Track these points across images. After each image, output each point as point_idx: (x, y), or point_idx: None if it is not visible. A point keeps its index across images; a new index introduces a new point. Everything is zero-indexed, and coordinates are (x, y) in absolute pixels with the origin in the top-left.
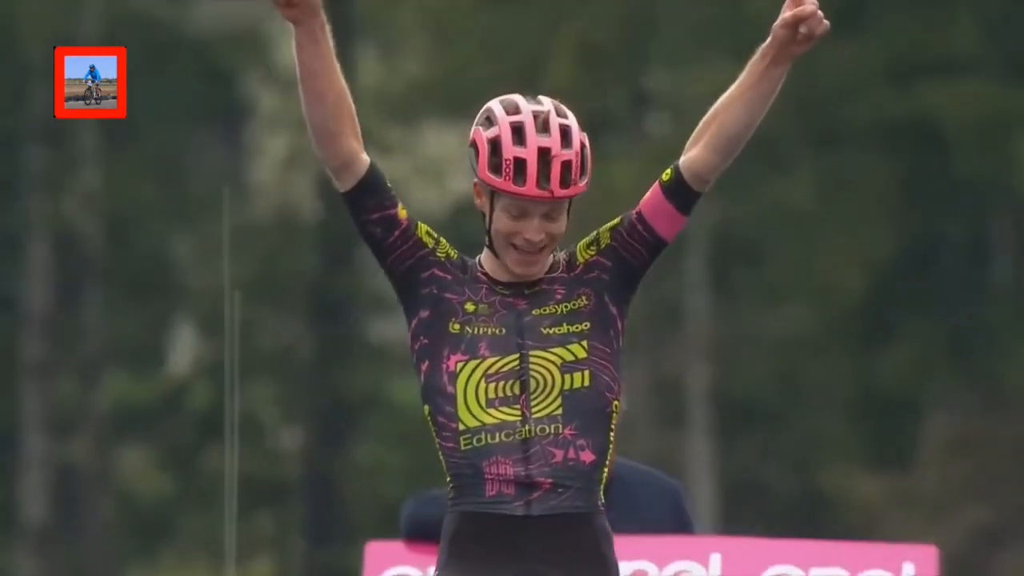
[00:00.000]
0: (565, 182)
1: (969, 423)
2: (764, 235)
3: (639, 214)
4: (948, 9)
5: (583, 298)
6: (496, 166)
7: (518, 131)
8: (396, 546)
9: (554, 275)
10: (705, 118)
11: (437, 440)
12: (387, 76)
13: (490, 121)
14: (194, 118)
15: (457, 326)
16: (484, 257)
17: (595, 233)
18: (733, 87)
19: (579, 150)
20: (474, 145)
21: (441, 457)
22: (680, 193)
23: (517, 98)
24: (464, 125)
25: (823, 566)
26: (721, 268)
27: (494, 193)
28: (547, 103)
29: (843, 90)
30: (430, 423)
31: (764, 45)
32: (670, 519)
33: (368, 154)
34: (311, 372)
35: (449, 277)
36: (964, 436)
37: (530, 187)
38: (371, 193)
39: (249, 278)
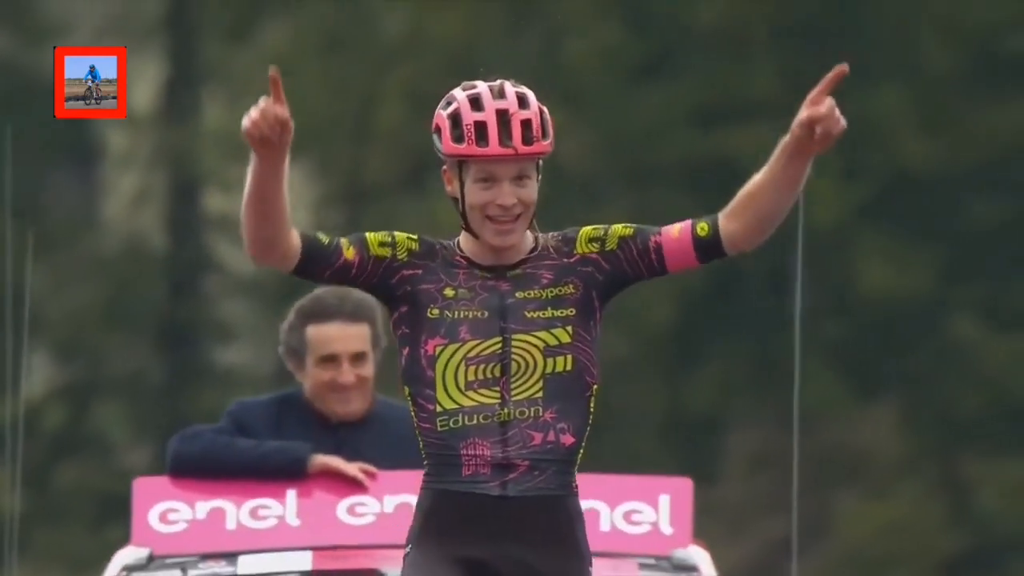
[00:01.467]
0: (527, 139)
1: (769, 441)
2: None
3: (657, 244)
4: (748, 57)
5: (570, 286)
6: (459, 136)
7: (475, 100)
8: (162, 481)
9: (541, 259)
10: (744, 191)
11: (415, 419)
12: (230, 117)
13: (448, 102)
14: (49, 158)
15: (436, 311)
16: (463, 240)
17: (602, 230)
18: (764, 172)
19: (538, 111)
20: (437, 129)
21: (419, 434)
22: (710, 250)
23: (475, 81)
24: (301, 164)
25: (582, 498)
26: None
27: (462, 167)
28: (501, 80)
29: (652, 132)
30: (411, 404)
31: (785, 140)
32: None
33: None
34: (159, 395)
35: (419, 271)
36: (764, 453)
37: (493, 146)
38: (315, 262)
39: (101, 306)
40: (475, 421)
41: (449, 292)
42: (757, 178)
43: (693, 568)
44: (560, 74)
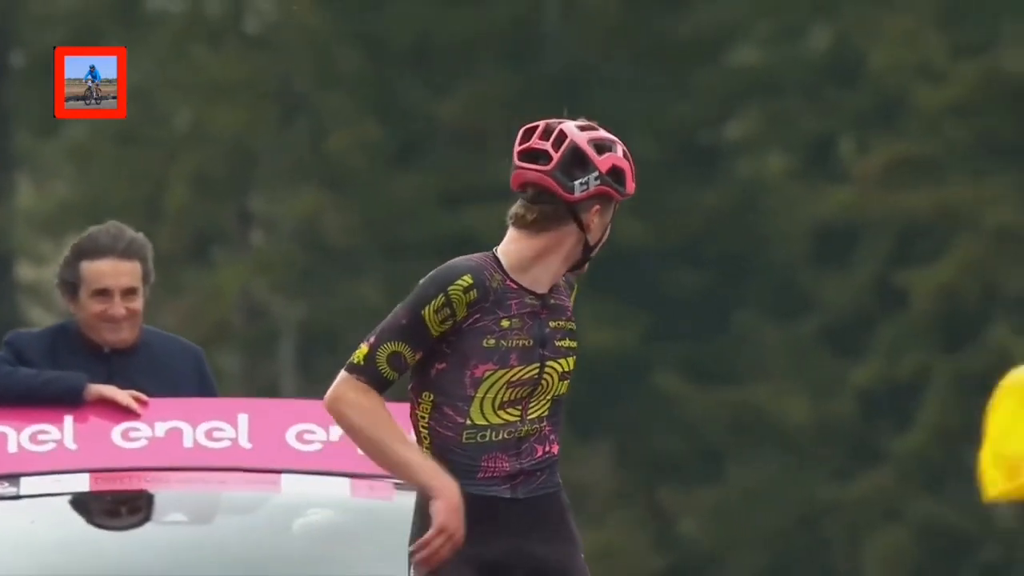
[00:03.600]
0: None
1: None
2: (343, 328)
3: None
4: (486, 147)
5: (573, 323)
6: (635, 176)
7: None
8: None
9: (560, 292)
10: None
11: (428, 419)
12: (39, 198)
13: (607, 146)
14: None
15: (492, 341)
16: (520, 270)
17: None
18: None
19: None
20: (619, 171)
21: (426, 432)
22: None
23: (589, 123)
24: None
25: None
26: (307, 356)
27: (616, 205)
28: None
29: (405, 212)
30: (427, 406)
31: None
32: (194, 376)
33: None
34: None
35: (478, 315)
36: None
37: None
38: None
39: None
40: (500, 437)
41: (505, 323)
42: None
43: None
44: (326, 161)
